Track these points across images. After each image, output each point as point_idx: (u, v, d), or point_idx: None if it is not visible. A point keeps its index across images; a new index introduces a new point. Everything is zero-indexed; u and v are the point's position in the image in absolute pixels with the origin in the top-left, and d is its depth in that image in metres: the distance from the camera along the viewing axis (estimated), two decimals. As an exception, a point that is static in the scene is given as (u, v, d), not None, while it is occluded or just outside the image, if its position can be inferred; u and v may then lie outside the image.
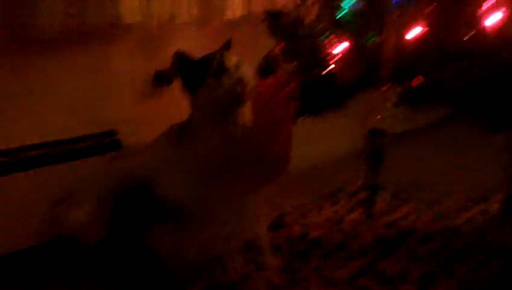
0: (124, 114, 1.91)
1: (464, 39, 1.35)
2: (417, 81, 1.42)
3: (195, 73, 1.51)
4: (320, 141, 2.49)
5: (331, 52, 1.53)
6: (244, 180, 1.54)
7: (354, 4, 1.55)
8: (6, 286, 1.61)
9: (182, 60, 1.51)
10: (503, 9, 1.33)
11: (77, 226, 1.64)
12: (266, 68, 1.49)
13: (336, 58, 1.53)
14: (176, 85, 2.02)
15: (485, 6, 1.35)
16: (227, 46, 1.50)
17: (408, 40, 1.42)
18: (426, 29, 1.40)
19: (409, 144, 2.74)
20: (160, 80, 2.00)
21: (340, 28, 1.55)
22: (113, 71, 1.86)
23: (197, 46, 2.06)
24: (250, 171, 1.53)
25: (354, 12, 1.55)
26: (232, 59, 1.46)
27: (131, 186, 1.67)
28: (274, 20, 1.51)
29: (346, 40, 1.53)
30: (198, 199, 1.60)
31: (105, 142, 1.78)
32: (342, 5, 1.59)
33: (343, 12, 1.59)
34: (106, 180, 1.73)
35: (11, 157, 1.57)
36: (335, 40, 1.54)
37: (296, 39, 1.52)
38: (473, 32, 1.34)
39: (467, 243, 1.75)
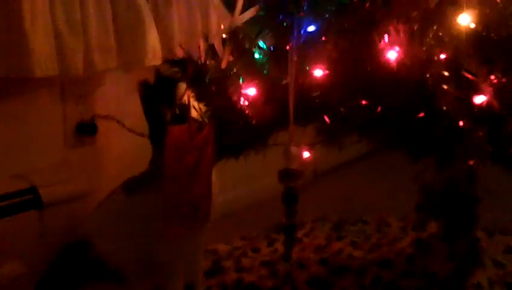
0: (45, 166, 1.86)
1: (364, 76, 1.38)
2: (325, 119, 1.43)
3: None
4: (249, 181, 2.50)
5: (242, 95, 1.54)
6: (168, 227, 1.52)
7: (265, 47, 1.57)
8: None
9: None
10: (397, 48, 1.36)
11: (4, 284, 1.59)
12: (179, 114, 1.48)
13: (248, 100, 1.54)
14: (100, 135, 2.02)
15: (384, 41, 1.37)
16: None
17: (314, 79, 1.43)
18: (330, 67, 1.42)
19: (342, 178, 2.81)
20: (84, 130, 1.98)
21: (252, 71, 1.55)
22: (30, 123, 1.82)
23: (119, 92, 2.06)
24: (172, 217, 1.51)
25: (265, 54, 1.56)
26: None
27: (69, 243, 1.63)
28: (180, 66, 1.51)
29: (258, 82, 1.54)
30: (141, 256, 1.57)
31: (27, 199, 1.73)
32: (260, 44, 1.60)
33: (256, 54, 1.61)
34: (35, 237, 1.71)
35: None
36: (246, 82, 1.54)
37: (205, 84, 1.52)
38: (372, 69, 1.37)
39: (398, 274, 1.75)
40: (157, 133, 1.54)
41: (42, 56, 1.67)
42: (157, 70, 1.54)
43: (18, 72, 1.64)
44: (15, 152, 1.82)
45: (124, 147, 2.06)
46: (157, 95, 1.51)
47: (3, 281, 1.60)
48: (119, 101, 2.06)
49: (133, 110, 2.04)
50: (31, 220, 1.74)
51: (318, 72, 1.44)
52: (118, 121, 1.98)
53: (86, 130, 1.99)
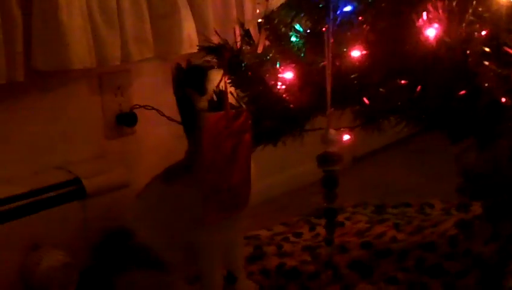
0: (86, 157, 1.89)
1: (402, 55, 1.35)
2: (364, 101, 1.41)
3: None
4: (287, 167, 2.49)
5: (279, 80, 1.53)
6: (206, 215, 1.52)
7: (301, 30, 1.55)
8: None
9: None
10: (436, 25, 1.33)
11: (50, 274, 1.61)
12: (216, 101, 1.48)
13: (285, 84, 1.53)
14: (139, 125, 2.04)
15: (423, 19, 1.34)
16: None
17: (351, 60, 1.42)
18: (367, 48, 1.40)
19: (381, 162, 2.78)
20: (123, 120, 2.01)
21: (289, 55, 1.54)
22: (70, 115, 1.85)
23: (157, 82, 2.08)
24: (211, 205, 1.51)
25: (301, 37, 1.55)
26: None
27: (111, 232, 1.66)
28: (216, 53, 1.50)
29: (294, 66, 1.52)
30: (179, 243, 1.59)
31: (71, 190, 1.76)
32: (296, 28, 1.59)
33: (292, 37, 1.59)
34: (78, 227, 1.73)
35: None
36: (283, 67, 1.53)
37: (241, 70, 1.51)
38: (411, 48, 1.34)
39: (442, 257, 1.72)
40: (189, 121, 1.54)
41: (80, 48, 1.69)
42: (188, 60, 1.54)
43: (56, 65, 1.67)
44: (57, 144, 1.86)
45: (163, 136, 2.07)
46: (188, 81, 1.51)
47: (49, 270, 1.63)
48: (157, 91, 2.08)
49: (170, 99, 2.07)
50: (74, 210, 1.76)
51: (355, 54, 1.42)
52: (157, 110, 2.00)
53: (126, 120, 2.01)
